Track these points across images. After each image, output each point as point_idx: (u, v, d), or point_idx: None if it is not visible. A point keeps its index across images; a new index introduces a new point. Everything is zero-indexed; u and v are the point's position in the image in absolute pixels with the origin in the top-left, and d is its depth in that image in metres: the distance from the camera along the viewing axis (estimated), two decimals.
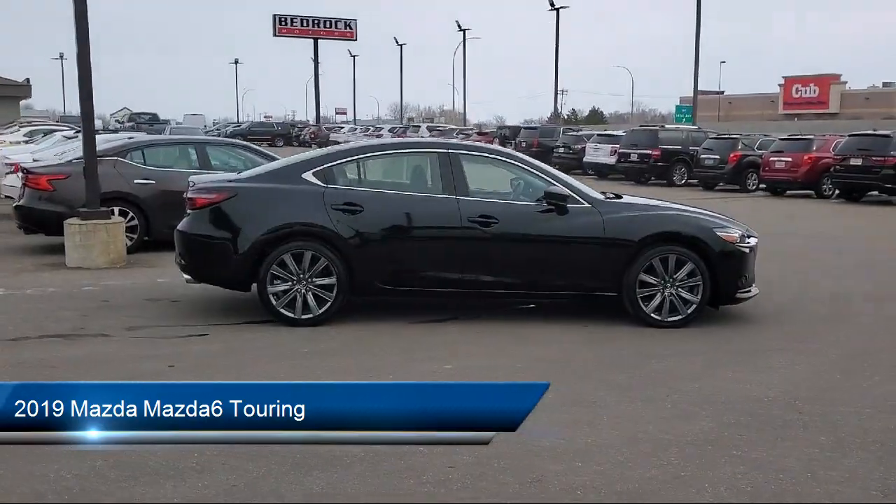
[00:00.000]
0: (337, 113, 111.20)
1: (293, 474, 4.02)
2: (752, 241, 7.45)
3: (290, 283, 7.01)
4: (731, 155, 25.19)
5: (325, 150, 7.60)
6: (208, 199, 7.15)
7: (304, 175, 7.23)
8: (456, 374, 5.70)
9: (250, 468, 4.07)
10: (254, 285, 7.15)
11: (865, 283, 9.57)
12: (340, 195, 7.13)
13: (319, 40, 54.81)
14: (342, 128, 58.83)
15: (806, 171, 22.99)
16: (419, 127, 49.16)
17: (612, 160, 29.07)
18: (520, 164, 7.58)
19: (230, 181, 7.40)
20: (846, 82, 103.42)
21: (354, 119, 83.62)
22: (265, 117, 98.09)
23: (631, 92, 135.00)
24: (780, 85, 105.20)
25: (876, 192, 21.79)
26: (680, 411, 4.98)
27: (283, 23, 54.93)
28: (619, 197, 7.73)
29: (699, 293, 7.17)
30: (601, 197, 7.46)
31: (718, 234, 7.27)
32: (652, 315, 7.16)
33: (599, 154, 29.90)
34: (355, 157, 7.41)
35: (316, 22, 55.05)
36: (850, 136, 22.86)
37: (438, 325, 7.21)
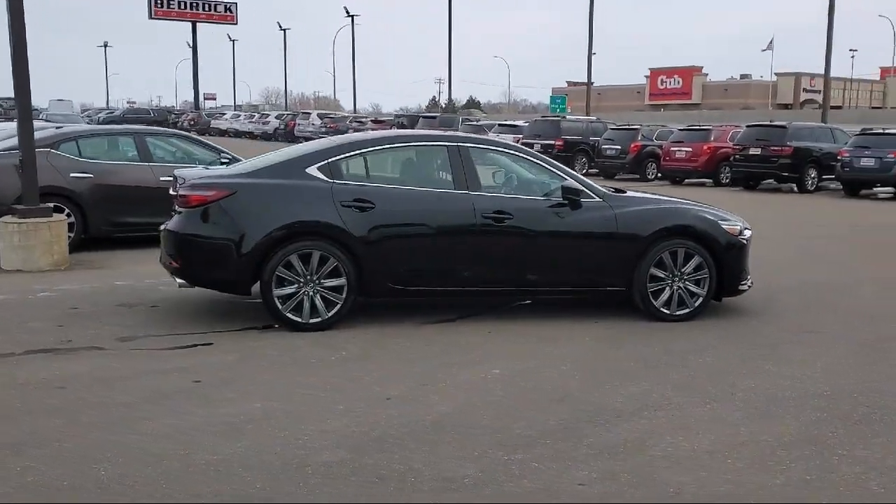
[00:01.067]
0: (206, 98, 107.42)
1: None
2: (748, 233, 7.57)
3: (296, 286, 6.57)
4: (632, 145, 25.91)
5: (327, 143, 7.15)
6: (205, 197, 6.60)
7: (308, 170, 6.79)
8: (505, 379, 5.47)
9: None
10: (254, 288, 6.68)
11: (810, 270, 9.95)
12: (350, 191, 6.73)
13: (198, 23, 52.57)
14: (224, 114, 56.79)
15: (705, 161, 23.91)
16: (309, 114, 48.04)
17: None
18: (528, 158, 7.40)
19: (227, 177, 6.85)
20: (707, 74, 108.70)
21: (234, 105, 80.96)
22: (128, 103, 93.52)
23: (508, 82, 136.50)
24: (646, 77, 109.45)
25: (771, 181, 22.93)
26: (757, 411, 4.94)
27: (160, 4, 52.32)
28: (621, 191, 7.67)
29: (706, 286, 7.22)
30: (609, 191, 7.39)
31: (723, 226, 7.33)
32: (661, 309, 7.15)
33: None
34: (361, 151, 7.01)
35: (195, 4, 52.76)
36: (747, 126, 23.94)
37: (449, 325, 6.94)
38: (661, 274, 7.14)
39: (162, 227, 7.21)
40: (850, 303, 8.12)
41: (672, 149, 24.57)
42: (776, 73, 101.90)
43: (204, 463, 4.06)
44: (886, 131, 21.30)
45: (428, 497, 3.73)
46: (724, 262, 7.27)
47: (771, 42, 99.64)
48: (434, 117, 36.59)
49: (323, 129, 42.84)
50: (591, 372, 5.67)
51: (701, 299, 7.24)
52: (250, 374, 5.53)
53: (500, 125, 31.51)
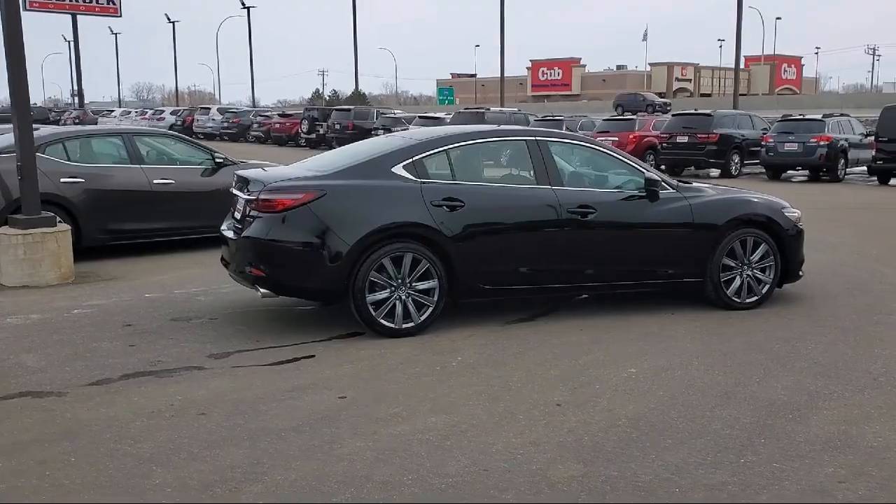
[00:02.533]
0: (73, 95, 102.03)
1: None
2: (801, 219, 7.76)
3: (389, 290, 6.28)
4: None
5: (406, 140, 6.79)
6: (293, 200, 6.19)
7: (394, 169, 6.49)
8: (652, 378, 5.38)
9: None
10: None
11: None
12: (440, 190, 6.47)
13: (78, 15, 49.53)
14: (111, 111, 53.93)
15: (632, 150, 24.44)
16: (209, 109, 46.26)
17: None
18: (603, 151, 7.33)
19: (312, 178, 6.43)
20: (585, 65, 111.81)
21: (119, 102, 77.10)
22: None
23: (395, 74, 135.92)
24: (527, 68, 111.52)
25: (692, 168, 23.76)
26: None
27: None
28: (686, 182, 7.72)
29: (771, 273, 7.36)
30: (679, 183, 7.42)
31: (786, 214, 7.49)
32: (733, 298, 7.25)
33: None
34: (444, 147, 6.73)
35: None
36: (673, 115, 24.70)
37: (531, 324, 6.79)
38: (731, 263, 7.23)
39: (228, 232, 6.75)
40: (841, 283, 8.47)
41: (598, 139, 25.02)
42: (650, 64, 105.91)
43: (445, 486, 3.80)
44: (807, 117, 22.45)
45: None
46: (788, 248, 7.43)
47: (645, 33, 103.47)
48: (348, 110, 35.92)
49: (225, 124, 41.50)
50: (725, 366, 5.64)
51: (767, 286, 7.38)
52: (390, 387, 5.22)
53: (420, 117, 31.26)
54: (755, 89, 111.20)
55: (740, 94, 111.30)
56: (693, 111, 25.13)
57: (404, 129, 31.27)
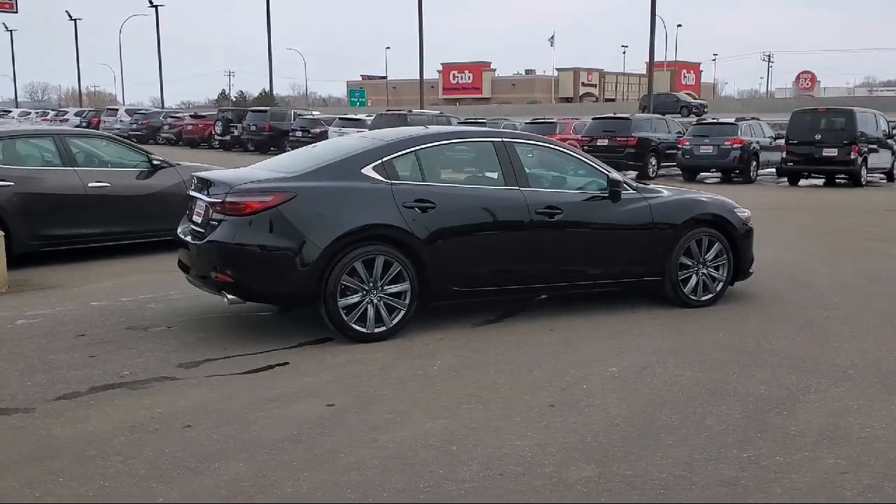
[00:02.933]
0: None
1: None
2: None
3: (360, 294, 6.17)
4: None
5: (374, 142, 6.65)
6: (262, 203, 6.01)
7: (363, 170, 6.38)
8: (635, 377, 5.44)
9: None
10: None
11: None
12: (411, 192, 6.40)
13: None
14: (8, 112, 51.43)
15: None
16: (116, 111, 44.61)
17: None
18: (566, 153, 7.38)
19: (281, 180, 6.25)
20: (495, 69, 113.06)
21: (16, 102, 73.56)
22: None
23: (305, 75, 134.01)
24: (438, 71, 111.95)
25: None
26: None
27: None
28: (645, 183, 7.85)
29: (725, 271, 7.57)
30: (638, 184, 7.54)
31: (738, 213, 7.71)
32: (690, 296, 7.41)
33: None
34: (413, 148, 6.65)
35: None
36: (593, 119, 25.18)
37: (501, 325, 6.77)
38: (688, 262, 7.40)
39: (187, 236, 6.51)
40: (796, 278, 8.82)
41: None
42: (557, 69, 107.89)
43: (464, 492, 3.74)
44: (721, 121, 23.24)
45: None
46: (739, 247, 7.64)
47: (552, 38, 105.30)
48: (265, 111, 35.26)
49: (134, 126, 40.15)
50: (700, 363, 5.73)
51: (721, 283, 7.57)
52: (377, 393, 5.12)
53: (340, 118, 30.97)
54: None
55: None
56: (612, 115, 25.70)
57: (321, 130, 30.95)
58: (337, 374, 5.52)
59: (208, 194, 6.29)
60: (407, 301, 6.33)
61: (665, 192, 7.65)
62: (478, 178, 6.99)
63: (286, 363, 5.75)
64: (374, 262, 6.19)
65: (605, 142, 23.52)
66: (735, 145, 21.86)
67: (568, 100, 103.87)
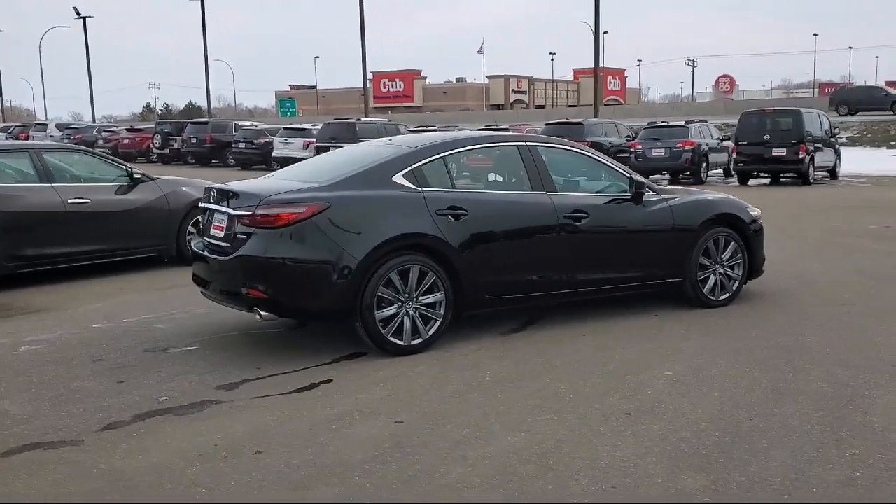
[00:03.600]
0: None
1: None
2: None
3: (396, 306, 5.97)
4: None
5: (400, 148, 6.42)
6: (296, 214, 5.75)
7: (394, 178, 6.18)
8: (693, 380, 5.37)
9: None
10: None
11: None
12: (443, 199, 6.22)
13: None
14: None
15: None
16: (45, 125, 42.95)
17: (307, 154, 28.64)
18: (586, 155, 7.29)
19: (314, 190, 5.99)
20: (426, 77, 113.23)
21: None
22: None
23: (233, 86, 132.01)
24: (369, 80, 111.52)
25: None
26: None
27: None
28: (661, 185, 7.82)
29: (740, 270, 7.59)
30: (659, 185, 7.50)
31: (750, 212, 7.75)
32: (709, 296, 7.41)
33: (291, 148, 29.25)
34: (440, 155, 6.46)
35: None
36: (546, 125, 25.31)
37: (529, 334, 6.63)
38: (706, 262, 7.40)
39: (202, 251, 6.22)
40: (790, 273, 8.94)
41: None
42: (487, 76, 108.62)
43: None
44: (671, 124, 23.62)
45: None
46: (752, 245, 7.68)
47: (482, 46, 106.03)
48: (205, 123, 34.46)
49: (66, 141, 38.74)
50: (750, 363, 5.68)
51: (737, 283, 7.60)
52: (441, 408, 4.92)
53: (285, 129, 30.45)
54: (585, 100, 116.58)
55: (571, 105, 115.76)
56: (565, 120, 25.91)
57: (265, 141, 30.38)
58: (388, 389, 5.30)
59: (232, 206, 5.99)
60: (442, 311, 6.15)
61: (681, 193, 7.64)
62: (506, 184, 6.86)
63: (329, 380, 5.50)
64: (409, 272, 5.99)
65: None
66: (686, 147, 22.26)
67: (499, 107, 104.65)
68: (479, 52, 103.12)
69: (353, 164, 6.37)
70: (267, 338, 6.61)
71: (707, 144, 23.12)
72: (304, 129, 29.66)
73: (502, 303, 6.53)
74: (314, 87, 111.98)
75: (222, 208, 6.14)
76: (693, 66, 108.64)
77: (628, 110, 72.57)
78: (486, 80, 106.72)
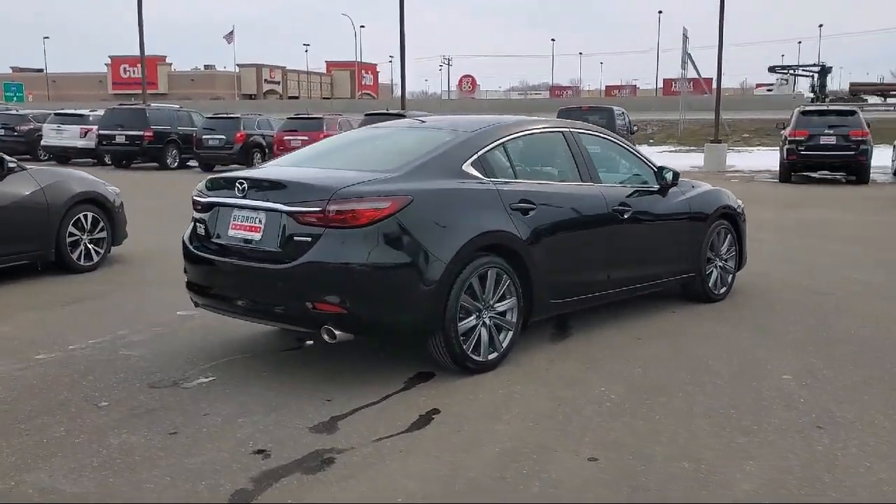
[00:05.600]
0: None
1: None
2: None
3: (475, 316, 5.13)
4: (237, 135, 24.58)
5: (462, 133, 5.51)
6: (379, 211, 4.69)
7: (464, 167, 5.28)
8: (811, 382, 5.07)
9: None
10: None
11: None
12: (515, 192, 5.43)
13: None
14: None
15: None
16: None
17: (86, 143, 25.64)
18: (619, 144, 6.73)
19: (388, 182, 4.89)
20: (171, 63, 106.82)
21: None
22: None
23: None
24: (107, 64, 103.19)
25: None
26: None
27: None
28: None
29: (734, 262, 7.49)
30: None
31: (739, 203, 7.65)
32: (713, 290, 7.23)
33: (65, 136, 25.99)
34: (500, 140, 5.61)
35: None
36: (365, 115, 24.40)
37: (578, 340, 6.01)
38: (711, 255, 7.20)
39: (226, 257, 5.00)
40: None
41: (286, 138, 23.94)
42: (238, 65, 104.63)
43: None
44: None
45: None
46: (742, 237, 7.60)
47: (231, 33, 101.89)
48: None
49: None
50: (840, 359, 5.45)
51: (732, 276, 7.49)
52: (615, 436, 4.19)
53: (56, 114, 26.88)
54: (339, 93, 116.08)
55: (325, 98, 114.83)
56: (385, 111, 25.19)
57: (30, 128, 26.69)
58: (518, 415, 4.47)
59: (283, 201, 4.79)
60: (514, 319, 5.38)
61: (689, 184, 7.27)
62: (559, 174, 6.14)
63: (436, 410, 4.55)
64: (487, 276, 5.15)
65: None
66: None
67: (251, 97, 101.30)
68: (228, 38, 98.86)
69: (418, 150, 5.36)
70: (279, 360, 5.46)
71: None
72: (80, 116, 26.41)
73: (561, 307, 5.86)
74: (42, 70, 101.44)
75: (260, 203, 4.91)
76: (448, 65, 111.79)
77: (381, 104, 72.60)
78: (238, 69, 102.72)
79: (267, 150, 25.02)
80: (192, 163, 25.39)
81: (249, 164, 24.54)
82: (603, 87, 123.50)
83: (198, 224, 5.38)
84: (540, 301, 5.57)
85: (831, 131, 19.64)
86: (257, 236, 4.93)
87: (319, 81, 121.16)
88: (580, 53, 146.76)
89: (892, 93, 62.30)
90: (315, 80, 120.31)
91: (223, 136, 24.34)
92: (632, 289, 6.49)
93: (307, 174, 5.16)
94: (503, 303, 5.28)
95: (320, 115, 25.12)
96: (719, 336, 6.11)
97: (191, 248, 5.34)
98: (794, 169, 20.38)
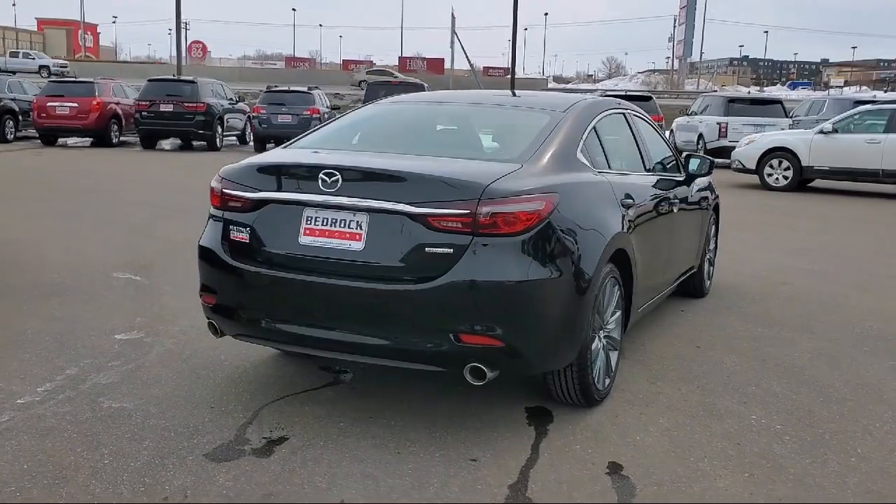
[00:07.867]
0: None
1: None
2: None
3: (598, 336, 4.21)
4: None
5: (557, 113, 4.42)
6: (534, 214, 3.58)
7: (578, 154, 4.28)
8: None
9: None
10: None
11: None
12: (621, 185, 4.53)
13: None
14: None
15: (96, 118, 20.89)
16: None
17: None
18: (650, 125, 5.91)
19: (530, 176, 3.74)
20: None
21: None
22: None
23: None
24: None
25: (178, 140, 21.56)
26: None
27: None
28: None
29: (714, 255, 7.15)
30: None
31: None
32: (706, 285, 6.84)
33: None
34: (593, 122, 4.58)
35: None
36: (149, 80, 21.68)
37: (634, 349, 5.32)
38: (706, 247, 6.78)
39: (305, 274, 3.68)
40: None
41: (50, 104, 20.64)
42: None
43: None
44: (294, 89, 22.13)
45: None
46: (719, 229, 7.27)
47: None
48: None
49: None
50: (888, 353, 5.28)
51: (713, 269, 7.13)
52: (810, 480, 3.52)
53: None
54: (53, 53, 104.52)
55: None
56: (172, 77, 22.52)
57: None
58: (679, 458, 3.64)
59: (406, 200, 3.52)
60: (619, 336, 4.52)
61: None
62: (627, 162, 5.23)
63: (619, 465, 3.60)
64: (606, 287, 4.23)
65: (169, 107, 20.52)
66: (314, 115, 21.11)
67: None
68: None
69: (523, 134, 4.28)
70: (339, 397, 4.18)
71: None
72: None
73: (639, 317, 5.05)
74: None
75: (360, 202, 3.59)
76: (186, 29, 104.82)
77: (108, 69, 66.50)
78: None
79: (21, 118, 21.54)
80: None
81: (1, 133, 20.96)
82: (340, 61, 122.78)
83: (232, 227, 3.90)
84: (635, 312, 4.74)
85: None
86: (357, 246, 3.61)
87: (30, 40, 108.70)
88: (320, 25, 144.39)
89: None
90: (24, 38, 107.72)
91: None
92: (670, 289, 5.86)
93: (428, 165, 3.85)
94: (613, 318, 4.40)
95: (91, 79, 21.86)
96: (767, 339, 5.66)
97: (227, 259, 3.86)
98: None
